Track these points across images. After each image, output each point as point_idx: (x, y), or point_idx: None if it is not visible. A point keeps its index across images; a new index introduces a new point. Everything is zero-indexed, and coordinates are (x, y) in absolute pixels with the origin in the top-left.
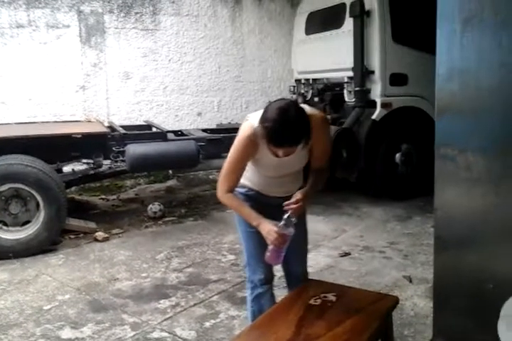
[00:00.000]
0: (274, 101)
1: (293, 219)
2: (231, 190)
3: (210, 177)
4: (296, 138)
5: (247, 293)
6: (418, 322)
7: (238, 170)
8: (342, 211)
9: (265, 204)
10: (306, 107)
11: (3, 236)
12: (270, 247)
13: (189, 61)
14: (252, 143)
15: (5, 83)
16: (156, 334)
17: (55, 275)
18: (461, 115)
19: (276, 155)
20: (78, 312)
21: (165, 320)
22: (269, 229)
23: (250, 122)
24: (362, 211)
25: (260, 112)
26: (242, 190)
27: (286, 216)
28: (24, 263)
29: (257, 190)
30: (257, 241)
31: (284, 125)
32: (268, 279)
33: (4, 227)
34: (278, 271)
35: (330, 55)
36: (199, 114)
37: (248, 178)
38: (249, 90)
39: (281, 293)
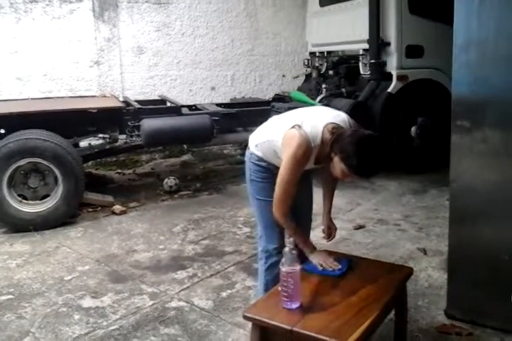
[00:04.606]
0: (355, 131)
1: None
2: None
3: (225, 151)
4: (380, 170)
5: (260, 264)
6: (432, 293)
7: (296, 184)
8: (356, 184)
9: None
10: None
11: (23, 209)
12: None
13: (202, 35)
14: (308, 158)
15: (20, 59)
16: (174, 304)
17: (75, 247)
18: (478, 86)
19: (317, 162)
20: (98, 282)
21: (182, 290)
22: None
23: (305, 138)
24: (377, 184)
25: (313, 124)
26: (263, 164)
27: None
28: (44, 236)
29: (274, 164)
30: None
31: (374, 160)
32: (282, 247)
33: (24, 201)
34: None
35: (345, 27)
36: (213, 88)
37: (269, 158)
38: (262, 64)
39: None
